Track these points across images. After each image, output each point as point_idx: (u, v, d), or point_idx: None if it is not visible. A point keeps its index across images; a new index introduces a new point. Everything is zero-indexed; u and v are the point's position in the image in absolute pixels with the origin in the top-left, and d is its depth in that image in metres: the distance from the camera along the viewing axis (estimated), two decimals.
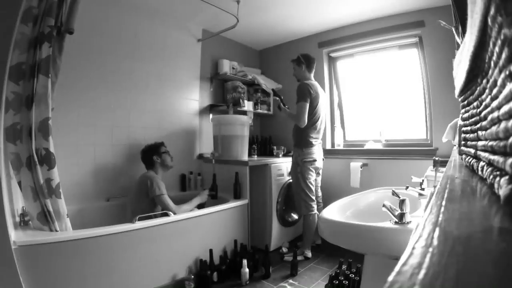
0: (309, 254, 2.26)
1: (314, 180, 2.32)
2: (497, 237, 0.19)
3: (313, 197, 2.27)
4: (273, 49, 3.42)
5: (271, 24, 2.80)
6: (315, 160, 2.27)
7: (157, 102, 2.49)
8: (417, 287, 0.13)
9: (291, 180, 2.46)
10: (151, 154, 2.03)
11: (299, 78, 2.36)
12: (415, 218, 0.94)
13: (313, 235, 2.29)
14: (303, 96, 2.22)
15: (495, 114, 0.26)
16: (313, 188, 2.28)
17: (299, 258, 2.22)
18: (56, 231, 1.42)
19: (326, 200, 1.67)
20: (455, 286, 0.13)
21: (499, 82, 0.24)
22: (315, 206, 2.26)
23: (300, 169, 2.26)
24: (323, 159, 2.45)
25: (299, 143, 2.29)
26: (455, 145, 1.21)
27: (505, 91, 0.22)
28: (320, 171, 2.45)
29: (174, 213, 1.83)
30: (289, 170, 2.48)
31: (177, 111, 2.65)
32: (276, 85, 3.19)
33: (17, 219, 1.46)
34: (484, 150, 0.34)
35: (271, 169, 2.42)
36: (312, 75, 2.37)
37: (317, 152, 2.31)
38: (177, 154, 2.41)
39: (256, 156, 2.88)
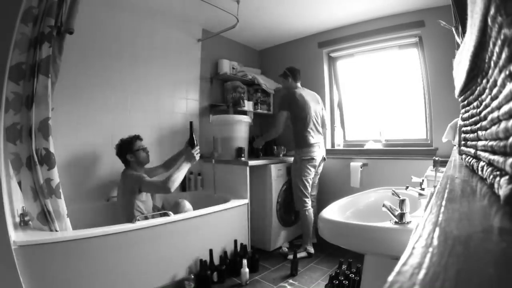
0: (312, 250, 2.31)
1: (311, 178, 2.38)
2: (497, 237, 0.19)
3: (308, 194, 2.34)
4: (273, 49, 3.42)
5: (271, 24, 2.79)
6: (313, 159, 2.34)
7: (157, 102, 2.49)
8: (417, 287, 0.13)
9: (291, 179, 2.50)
10: (125, 152, 1.91)
11: (286, 89, 2.52)
12: (415, 218, 0.94)
13: (312, 231, 2.33)
14: (281, 105, 2.43)
15: (495, 114, 0.26)
16: (309, 186, 2.35)
17: (303, 254, 2.26)
18: (56, 231, 1.42)
19: (326, 200, 1.66)
20: (455, 286, 0.13)
21: (499, 82, 0.24)
22: (309, 202, 2.35)
23: (298, 166, 2.36)
24: (324, 159, 2.50)
25: (298, 143, 2.40)
26: (455, 145, 1.21)
27: (505, 91, 0.22)
28: (319, 170, 2.49)
29: (166, 187, 1.70)
30: (289, 170, 2.55)
31: (177, 111, 2.64)
32: (276, 85, 3.19)
33: (17, 219, 1.46)
34: (484, 150, 0.34)
35: (271, 169, 2.43)
36: (299, 83, 2.51)
37: (317, 151, 2.37)
38: None
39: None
